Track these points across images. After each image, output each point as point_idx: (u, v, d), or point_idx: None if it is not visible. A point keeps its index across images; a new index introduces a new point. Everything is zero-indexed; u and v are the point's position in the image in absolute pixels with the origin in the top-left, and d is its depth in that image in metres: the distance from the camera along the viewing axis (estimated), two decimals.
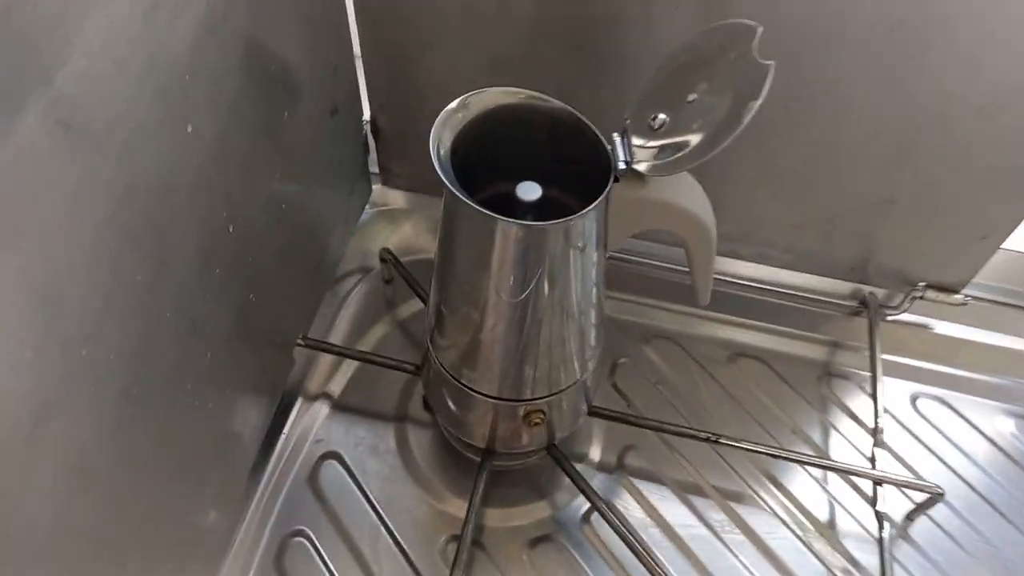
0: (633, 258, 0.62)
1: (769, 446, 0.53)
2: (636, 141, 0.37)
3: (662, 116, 0.36)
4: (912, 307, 0.60)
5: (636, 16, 0.46)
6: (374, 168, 0.64)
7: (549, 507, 0.53)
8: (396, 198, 0.65)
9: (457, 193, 0.35)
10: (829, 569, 0.51)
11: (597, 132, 0.38)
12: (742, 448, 0.52)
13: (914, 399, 0.59)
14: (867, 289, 0.60)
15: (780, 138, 0.51)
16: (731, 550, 0.51)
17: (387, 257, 0.60)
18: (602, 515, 0.50)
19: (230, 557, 0.49)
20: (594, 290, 0.42)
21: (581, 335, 0.44)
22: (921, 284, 0.58)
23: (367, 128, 0.60)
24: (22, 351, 0.28)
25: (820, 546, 0.52)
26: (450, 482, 0.53)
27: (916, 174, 0.51)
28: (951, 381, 0.59)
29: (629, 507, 0.53)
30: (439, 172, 0.35)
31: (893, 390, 0.59)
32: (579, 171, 0.38)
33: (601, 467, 0.55)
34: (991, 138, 0.47)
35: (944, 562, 0.51)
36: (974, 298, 0.59)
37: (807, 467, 0.54)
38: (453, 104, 0.37)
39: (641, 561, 0.48)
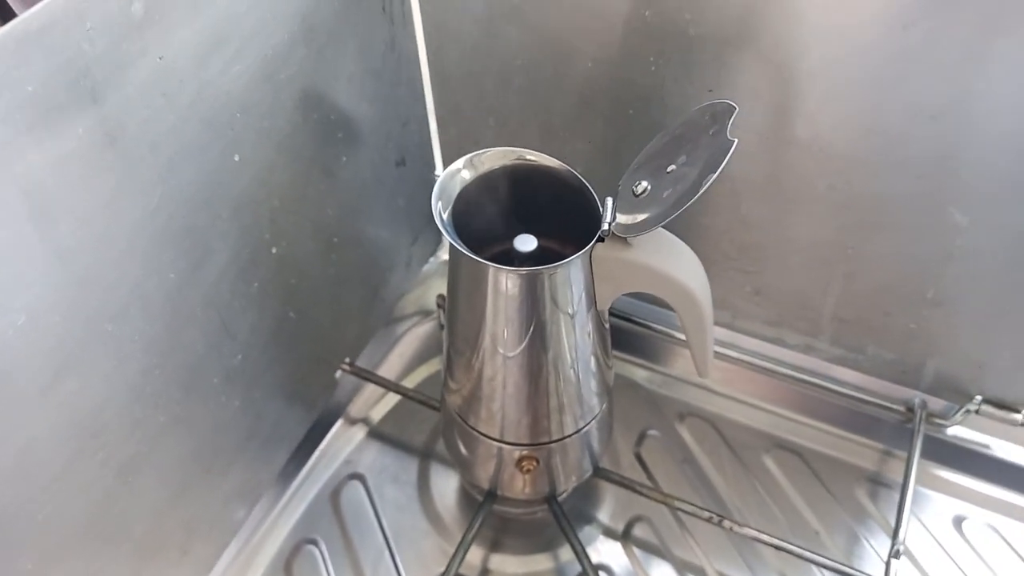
0: (675, 333, 0.63)
1: (773, 535, 0.51)
2: (621, 205, 0.39)
3: (644, 184, 0.38)
4: (965, 421, 0.56)
5: (670, 93, 0.49)
6: None
7: (550, 561, 0.54)
8: None
9: (451, 240, 0.38)
10: None
11: (593, 194, 0.41)
12: (747, 535, 0.51)
13: (959, 521, 0.55)
14: (919, 396, 0.57)
15: (825, 222, 0.51)
16: None
17: (442, 304, 0.64)
18: None
19: (238, 547, 0.54)
20: (591, 345, 0.44)
21: (576, 388, 0.46)
22: (978, 398, 0.55)
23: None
24: (50, 315, 0.34)
25: None
26: (458, 521, 0.56)
27: (969, 277, 0.49)
28: (1006, 507, 0.55)
29: None
30: (440, 225, 0.39)
31: (936, 508, 0.55)
32: (581, 229, 0.41)
33: (606, 532, 0.55)
34: None
35: None
36: None
37: (819, 567, 0.52)
38: (458, 163, 0.40)
39: None
